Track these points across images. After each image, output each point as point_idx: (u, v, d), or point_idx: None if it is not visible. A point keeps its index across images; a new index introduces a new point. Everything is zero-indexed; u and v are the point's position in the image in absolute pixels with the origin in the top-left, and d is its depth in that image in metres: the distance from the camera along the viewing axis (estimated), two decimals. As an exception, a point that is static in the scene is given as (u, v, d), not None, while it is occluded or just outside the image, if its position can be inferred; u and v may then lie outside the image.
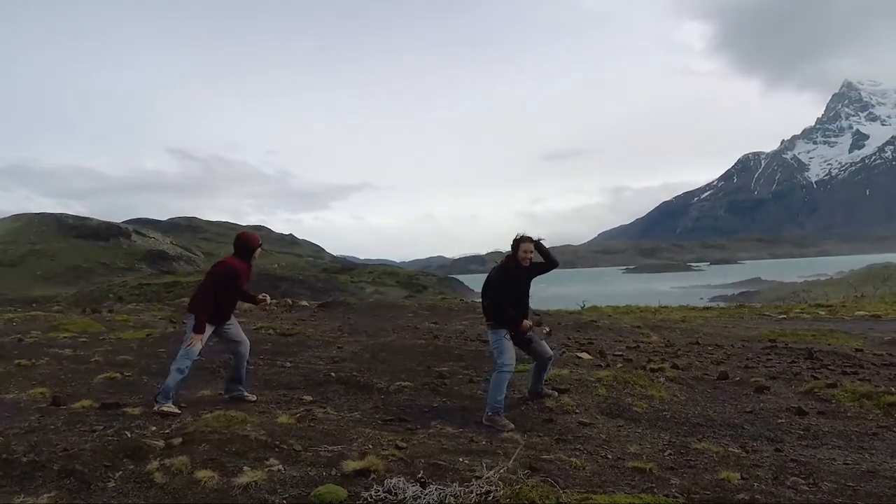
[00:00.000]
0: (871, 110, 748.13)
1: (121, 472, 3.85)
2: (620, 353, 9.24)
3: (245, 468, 3.82)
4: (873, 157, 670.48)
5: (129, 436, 4.53)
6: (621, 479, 3.94)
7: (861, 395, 6.34)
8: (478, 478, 3.41)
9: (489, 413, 5.49)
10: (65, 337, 10.45)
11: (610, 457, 4.47)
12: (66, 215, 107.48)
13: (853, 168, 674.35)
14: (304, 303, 20.99)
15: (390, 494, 3.22)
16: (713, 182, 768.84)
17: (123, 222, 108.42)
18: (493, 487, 3.13)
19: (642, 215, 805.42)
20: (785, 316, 16.44)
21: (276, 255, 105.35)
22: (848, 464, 4.51)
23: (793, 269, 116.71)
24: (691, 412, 5.98)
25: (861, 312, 16.56)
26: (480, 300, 6.05)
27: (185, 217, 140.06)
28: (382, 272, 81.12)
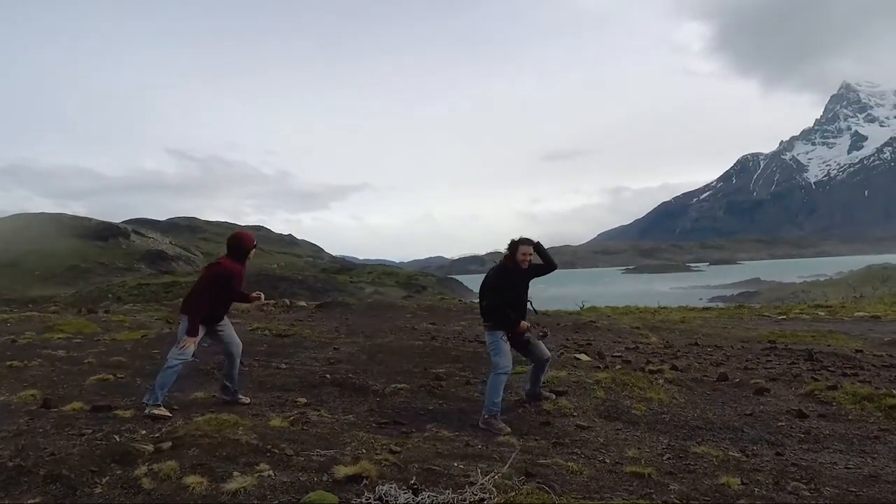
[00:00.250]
0: (869, 111, 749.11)
1: (108, 478, 3.77)
2: (619, 354, 9.16)
3: (235, 474, 3.74)
4: (872, 159, 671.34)
5: (118, 440, 4.45)
6: (619, 484, 3.86)
7: (862, 397, 6.27)
8: (472, 484, 3.33)
9: (485, 416, 5.42)
10: (59, 338, 10.35)
11: (608, 461, 4.39)
12: (65, 215, 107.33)
13: (852, 169, 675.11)
14: (303, 303, 20.91)
15: (381, 502, 3.14)
16: (712, 183, 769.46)
17: (122, 222, 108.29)
18: (487, 495, 3.06)
19: (641, 216, 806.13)
20: (784, 317, 16.37)
21: (275, 256, 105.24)
22: (850, 468, 4.43)
23: (792, 269, 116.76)
24: (690, 415, 5.90)
25: (860, 313, 16.49)
26: (478, 301, 5.97)
27: (184, 217, 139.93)
28: (381, 272, 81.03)
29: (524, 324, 5.67)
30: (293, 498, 3.43)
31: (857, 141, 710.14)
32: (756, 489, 3.86)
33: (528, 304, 5.88)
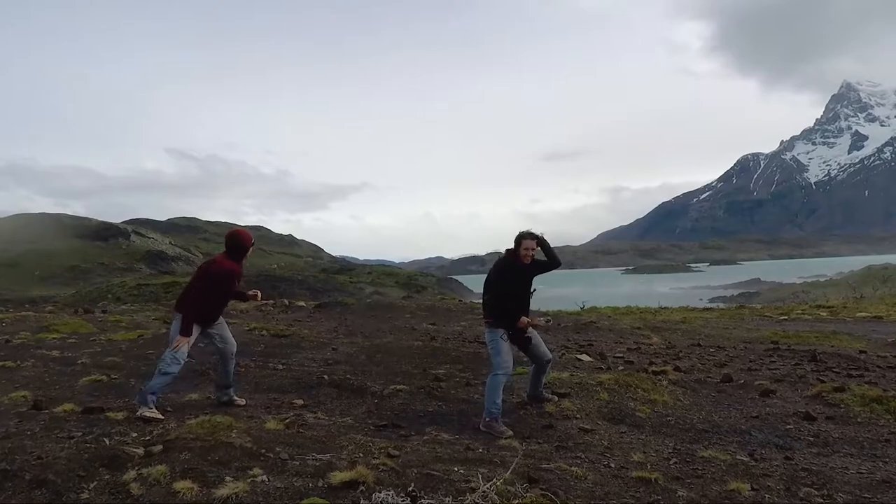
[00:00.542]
0: (870, 111, 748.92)
1: (95, 483, 3.65)
2: (621, 354, 9.03)
3: (227, 479, 3.61)
4: (872, 158, 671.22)
5: (108, 443, 4.32)
6: (625, 490, 3.73)
7: (871, 399, 6.13)
8: (473, 490, 3.20)
9: (486, 419, 5.28)
10: (54, 338, 10.22)
11: (613, 466, 4.26)
12: (66, 215, 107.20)
13: (852, 169, 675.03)
14: (302, 303, 20.77)
15: (378, 509, 3.01)
16: (712, 183, 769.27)
17: (122, 223, 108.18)
18: (489, 503, 2.92)
19: (641, 216, 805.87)
20: (786, 317, 16.23)
21: (275, 256, 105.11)
22: (862, 473, 4.29)
23: (792, 269, 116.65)
24: (696, 417, 5.77)
25: (863, 314, 16.35)
26: (481, 300, 5.84)
27: (184, 217, 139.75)
28: (381, 273, 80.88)
29: (524, 319, 5.52)
30: (287, 505, 3.30)
31: (858, 141, 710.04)
32: (767, 495, 3.73)
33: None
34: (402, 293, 53.01)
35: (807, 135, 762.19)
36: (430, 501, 3.05)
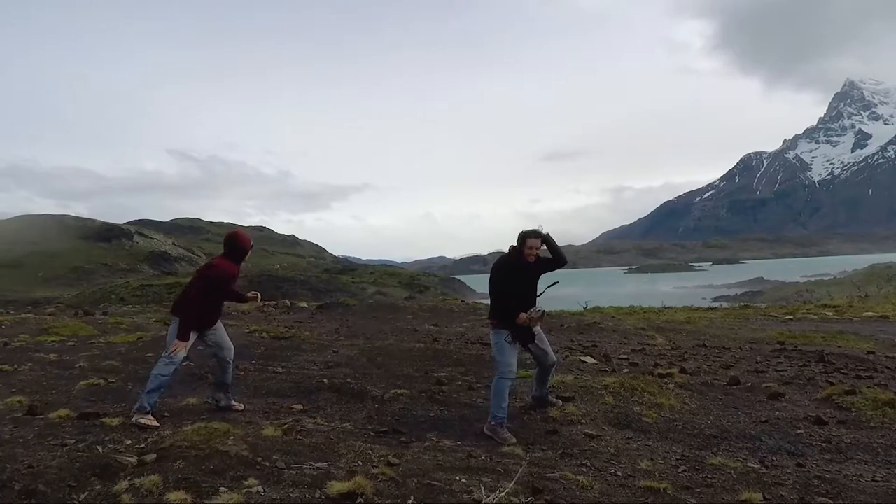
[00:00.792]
0: (873, 109, 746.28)
1: (86, 493, 3.53)
2: (626, 356, 8.90)
3: (221, 489, 3.50)
4: (876, 157, 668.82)
5: (101, 451, 4.20)
6: (633, 500, 3.61)
7: (883, 402, 5.98)
8: (476, 502, 3.08)
9: (492, 423, 5.14)
10: (52, 341, 10.12)
11: (619, 474, 4.13)
12: (68, 216, 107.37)
13: (856, 167, 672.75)
14: (303, 304, 20.68)
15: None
16: (715, 182, 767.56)
17: (125, 223, 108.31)
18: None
19: (644, 215, 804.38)
20: (791, 317, 16.07)
21: (278, 256, 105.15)
22: (877, 481, 4.16)
23: (795, 268, 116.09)
24: (704, 422, 5.63)
25: (869, 313, 16.18)
26: (483, 301, 5.71)
27: (187, 218, 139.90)
28: (384, 273, 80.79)
29: (523, 315, 5.36)
30: (282, 517, 3.19)
31: (861, 139, 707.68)
32: (780, 505, 3.60)
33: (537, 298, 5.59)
34: (404, 293, 52.90)
35: (810, 133, 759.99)
36: (430, 515, 2.93)
